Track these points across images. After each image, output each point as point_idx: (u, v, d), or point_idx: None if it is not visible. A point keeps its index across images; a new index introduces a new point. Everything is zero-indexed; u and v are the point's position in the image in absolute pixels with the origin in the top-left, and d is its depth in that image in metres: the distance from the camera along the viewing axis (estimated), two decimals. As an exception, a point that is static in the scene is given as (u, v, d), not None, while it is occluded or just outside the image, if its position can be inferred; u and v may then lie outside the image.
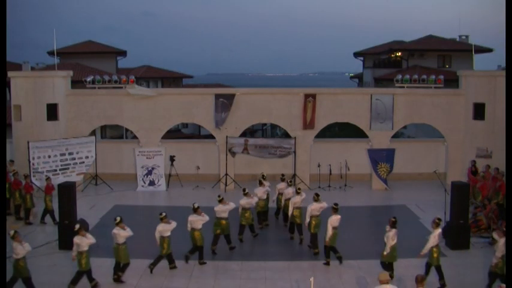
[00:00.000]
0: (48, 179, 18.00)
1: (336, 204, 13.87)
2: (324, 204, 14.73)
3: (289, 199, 16.07)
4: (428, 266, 12.55)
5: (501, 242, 11.82)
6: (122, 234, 12.81)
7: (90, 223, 16.77)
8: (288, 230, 15.99)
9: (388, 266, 12.81)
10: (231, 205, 14.70)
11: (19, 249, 11.83)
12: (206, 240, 14.13)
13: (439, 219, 12.72)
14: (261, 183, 17.17)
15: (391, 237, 12.65)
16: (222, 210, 14.56)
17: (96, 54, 42.20)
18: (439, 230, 12.61)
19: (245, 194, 15.51)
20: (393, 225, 12.77)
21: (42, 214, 17.53)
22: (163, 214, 13.45)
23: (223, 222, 14.56)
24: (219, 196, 14.88)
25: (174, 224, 13.47)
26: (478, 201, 18.00)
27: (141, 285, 12.63)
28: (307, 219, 14.50)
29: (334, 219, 13.68)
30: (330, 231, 13.55)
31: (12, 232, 11.97)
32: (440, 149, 23.45)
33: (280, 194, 17.34)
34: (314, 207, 14.53)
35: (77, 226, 12.69)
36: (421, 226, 17.17)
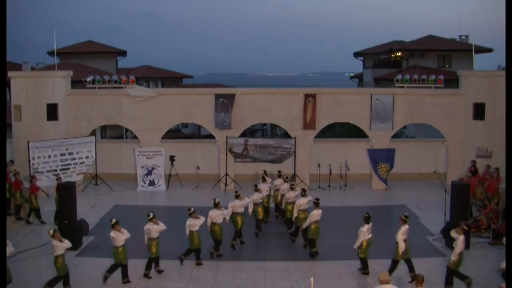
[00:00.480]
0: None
1: (317, 199, 14.39)
2: (310, 198, 15.16)
3: (284, 195, 16.66)
4: (448, 271, 12.41)
5: (460, 239, 12.09)
6: (156, 229, 13.05)
7: (90, 223, 16.80)
8: (291, 234, 15.76)
9: (364, 261, 13.15)
10: (247, 200, 15.26)
11: (59, 247, 12.07)
12: (208, 241, 14.12)
13: (406, 216, 12.86)
14: (264, 180, 17.57)
15: (363, 232, 12.92)
16: (239, 205, 14.88)
17: (96, 54, 42.20)
18: (406, 226, 12.79)
19: (237, 196, 15.16)
20: (366, 220, 13.01)
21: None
22: (192, 209, 13.67)
23: (240, 217, 14.92)
24: (236, 192, 15.14)
25: (202, 219, 13.67)
26: (478, 201, 18.02)
27: (141, 285, 12.63)
28: (295, 214, 15.09)
29: (315, 214, 14.17)
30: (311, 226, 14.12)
31: (52, 231, 12.22)
32: (440, 149, 23.45)
33: (277, 190, 17.74)
34: (301, 202, 15.09)
35: (114, 220, 12.92)
36: (421, 226, 17.17)
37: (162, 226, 13.24)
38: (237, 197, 14.97)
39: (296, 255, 14.56)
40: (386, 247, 15.53)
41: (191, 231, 13.66)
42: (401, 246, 12.58)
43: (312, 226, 14.19)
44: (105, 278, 12.71)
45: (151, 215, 13.27)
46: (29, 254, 14.48)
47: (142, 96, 22.26)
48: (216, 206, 14.14)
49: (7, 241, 12.02)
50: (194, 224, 13.62)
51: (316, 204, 14.28)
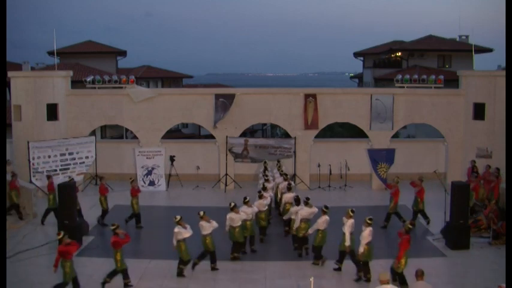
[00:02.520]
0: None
1: (326, 207, 13.66)
2: (315, 210, 14.41)
3: (283, 194, 16.55)
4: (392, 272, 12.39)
5: (366, 231, 12.50)
6: (208, 226, 13.21)
7: (90, 223, 16.80)
8: (295, 248, 14.84)
9: (364, 265, 12.84)
10: (255, 208, 14.81)
11: (207, 227, 13.09)
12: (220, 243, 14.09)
13: (370, 219, 12.72)
14: (261, 197, 15.85)
15: (365, 236, 12.63)
16: (249, 212, 14.46)
17: (96, 54, 42.19)
18: (351, 220, 13.09)
19: (245, 203, 14.64)
20: (368, 224, 12.72)
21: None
22: (202, 213, 13.41)
23: (249, 222, 14.61)
24: (245, 198, 14.62)
25: (214, 224, 13.44)
26: (478, 201, 18.02)
27: (141, 286, 12.62)
28: (297, 224, 14.24)
29: (322, 221, 13.57)
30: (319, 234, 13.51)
31: (201, 212, 13.32)
32: (440, 149, 23.45)
33: (277, 187, 17.67)
34: (303, 212, 14.27)
35: (201, 213, 13.40)
36: (421, 226, 17.18)
37: (214, 224, 13.32)
38: (246, 203, 14.49)
39: (296, 255, 14.54)
40: (386, 247, 15.56)
41: (203, 235, 13.33)
42: (361, 249, 12.60)
43: (319, 234, 13.59)
44: (182, 272, 13.05)
45: (178, 217, 13.13)
46: (29, 254, 14.48)
47: (144, 97, 22.24)
48: (232, 209, 13.91)
49: (211, 221, 13.23)
50: (203, 226, 13.32)
51: (324, 211, 13.62)
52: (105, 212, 17.44)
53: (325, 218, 13.64)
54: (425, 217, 17.29)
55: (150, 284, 12.67)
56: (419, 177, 17.86)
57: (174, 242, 13.03)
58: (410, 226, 12.55)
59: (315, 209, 14.40)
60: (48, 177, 17.89)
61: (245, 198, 14.67)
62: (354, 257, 12.98)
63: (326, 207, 13.79)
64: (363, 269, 12.78)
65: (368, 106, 22.19)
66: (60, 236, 11.93)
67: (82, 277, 12.96)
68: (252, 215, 14.65)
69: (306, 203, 14.44)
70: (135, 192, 17.16)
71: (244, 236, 14.24)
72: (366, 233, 12.55)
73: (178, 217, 13.10)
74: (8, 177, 18.05)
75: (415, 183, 17.47)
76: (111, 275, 12.47)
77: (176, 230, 12.97)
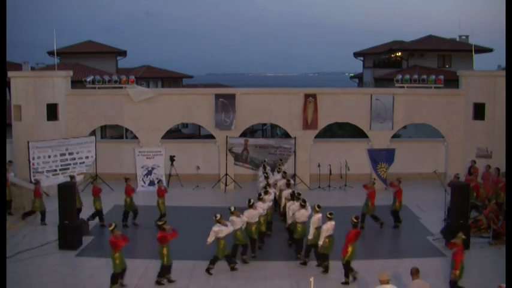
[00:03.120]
0: (37, 182, 17.88)
1: (330, 213, 13.21)
2: (309, 212, 14.25)
3: (282, 191, 16.68)
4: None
5: (327, 224, 12.98)
6: (239, 220, 13.44)
7: (90, 223, 16.80)
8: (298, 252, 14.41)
9: (323, 257, 13.20)
10: (261, 210, 14.67)
11: (237, 222, 13.45)
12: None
13: (331, 214, 13.12)
14: (267, 192, 15.73)
15: (325, 229, 13.05)
16: (255, 215, 14.31)
17: (96, 54, 42.18)
18: (318, 215, 13.46)
19: (250, 206, 14.25)
20: (329, 218, 13.10)
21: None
22: (219, 216, 13.28)
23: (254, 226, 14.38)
24: (249, 200, 14.40)
25: (244, 218, 13.66)
26: (478, 201, 18.03)
27: (141, 285, 12.62)
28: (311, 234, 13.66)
29: (327, 227, 13.21)
30: (322, 239, 13.18)
31: (232, 208, 13.71)
32: (440, 149, 23.45)
33: (275, 184, 17.65)
34: (314, 220, 13.79)
35: (232, 208, 13.70)
36: (421, 226, 17.18)
37: (230, 228, 13.32)
38: (251, 206, 14.20)
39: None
40: (386, 247, 15.58)
41: (234, 230, 13.34)
42: (321, 241, 13.04)
43: (326, 240, 13.12)
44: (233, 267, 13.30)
45: (218, 216, 13.21)
46: (29, 254, 14.48)
47: (144, 97, 22.24)
48: (251, 206, 14.00)
49: (240, 215, 13.61)
50: (234, 221, 13.45)
51: (329, 218, 13.11)
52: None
53: (318, 216, 13.58)
54: (396, 219, 16.96)
55: (150, 284, 12.66)
56: (398, 178, 17.88)
57: (210, 240, 13.16)
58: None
59: (309, 211, 14.25)
60: (36, 182, 17.87)
61: (249, 200, 14.27)
62: (316, 250, 13.37)
63: (319, 206, 13.73)
64: (322, 261, 13.24)
65: (368, 106, 22.20)
66: (112, 228, 12.27)
67: (82, 277, 13.00)
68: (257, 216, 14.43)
69: (303, 206, 14.15)
70: (162, 192, 17.05)
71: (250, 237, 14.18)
72: (327, 227, 12.95)
73: (218, 215, 13.25)
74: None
75: (393, 184, 17.38)
76: (162, 273, 12.61)
77: (216, 228, 13.11)
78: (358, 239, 12.80)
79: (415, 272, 10.02)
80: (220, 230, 13.09)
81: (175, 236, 12.61)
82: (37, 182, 17.88)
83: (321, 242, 13.10)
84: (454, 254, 11.55)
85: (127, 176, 20.50)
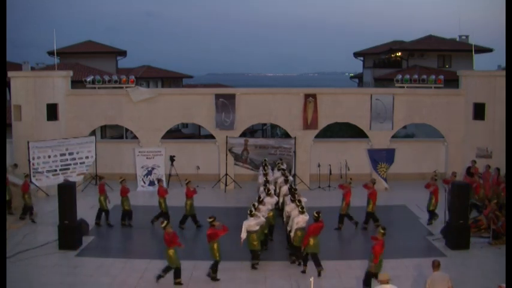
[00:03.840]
0: (26, 176, 18.01)
1: (317, 212, 13.24)
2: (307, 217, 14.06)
3: (281, 188, 16.71)
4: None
5: (299, 217, 13.41)
6: (255, 222, 13.41)
7: (90, 223, 16.80)
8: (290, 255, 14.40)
9: (296, 250, 13.45)
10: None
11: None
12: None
13: (302, 208, 13.53)
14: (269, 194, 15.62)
15: (296, 222, 13.42)
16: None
17: (96, 54, 42.17)
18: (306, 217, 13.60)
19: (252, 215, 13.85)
20: (301, 212, 13.44)
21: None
22: (254, 210, 13.62)
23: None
24: (254, 206, 14.23)
25: (262, 219, 13.79)
26: (478, 201, 18.03)
27: (141, 285, 12.62)
28: (292, 234, 13.83)
29: (300, 220, 13.51)
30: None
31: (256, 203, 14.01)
32: (440, 149, 23.45)
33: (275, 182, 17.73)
34: (300, 220, 13.77)
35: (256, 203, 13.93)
36: (421, 226, 17.18)
37: (262, 218, 13.60)
38: (256, 209, 14.07)
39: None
40: (386, 247, 15.54)
41: (249, 233, 13.37)
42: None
43: (298, 233, 13.33)
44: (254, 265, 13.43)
45: (252, 210, 13.51)
46: (29, 254, 14.48)
47: (144, 98, 22.23)
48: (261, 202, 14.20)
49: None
50: (250, 224, 13.46)
51: (316, 218, 13.10)
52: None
53: (303, 217, 13.56)
54: (374, 220, 16.89)
55: (150, 284, 12.67)
56: (372, 179, 17.93)
57: (244, 235, 13.39)
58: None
59: (307, 217, 14.00)
60: (26, 175, 17.97)
61: (250, 211, 13.81)
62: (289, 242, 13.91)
63: (302, 207, 13.71)
64: (294, 253, 13.69)
65: (368, 106, 22.20)
66: (164, 225, 12.66)
67: (82, 277, 13.00)
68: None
69: (302, 212, 13.81)
70: (190, 193, 16.96)
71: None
72: (298, 219, 13.33)
73: (253, 210, 13.57)
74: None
75: (367, 185, 17.27)
76: (214, 268, 12.84)
77: (251, 222, 13.35)
78: (319, 233, 13.11)
79: (437, 265, 10.42)
80: (256, 223, 13.40)
81: (226, 232, 12.82)
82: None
83: (292, 234, 13.51)
84: (373, 247, 11.83)
85: (128, 176, 20.59)
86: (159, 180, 17.72)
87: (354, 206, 17.59)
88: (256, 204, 14.03)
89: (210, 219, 12.82)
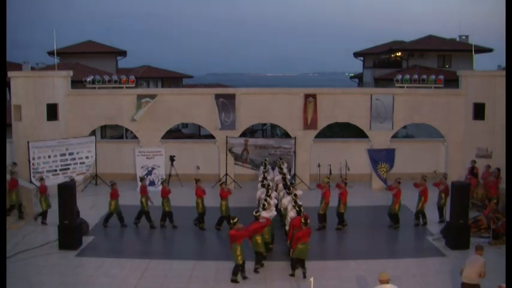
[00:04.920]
0: (42, 179, 17.92)
1: (305, 218, 12.93)
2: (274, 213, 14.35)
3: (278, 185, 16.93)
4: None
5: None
6: (267, 215, 13.58)
7: (90, 223, 16.80)
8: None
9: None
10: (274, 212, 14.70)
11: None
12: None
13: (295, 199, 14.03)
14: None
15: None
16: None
17: (96, 54, 42.20)
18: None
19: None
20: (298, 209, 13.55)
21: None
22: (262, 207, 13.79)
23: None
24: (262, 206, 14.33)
25: (274, 212, 14.01)
26: (478, 201, 18.04)
27: (141, 285, 12.62)
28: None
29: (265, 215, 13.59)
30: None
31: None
32: (440, 149, 23.45)
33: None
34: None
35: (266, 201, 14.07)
36: (421, 226, 17.17)
37: (274, 211, 13.92)
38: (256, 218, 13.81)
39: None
40: (386, 247, 15.58)
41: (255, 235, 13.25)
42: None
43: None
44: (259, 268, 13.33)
45: (265, 204, 13.75)
46: (29, 254, 14.48)
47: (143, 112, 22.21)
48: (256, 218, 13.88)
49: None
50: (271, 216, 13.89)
51: (304, 223, 12.79)
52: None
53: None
54: (341, 221, 16.83)
55: (150, 284, 12.67)
56: (343, 179, 18.03)
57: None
58: None
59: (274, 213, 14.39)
60: (41, 179, 17.87)
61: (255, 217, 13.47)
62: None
63: (300, 207, 13.70)
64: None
65: (368, 106, 22.20)
66: (235, 220, 12.75)
67: (82, 277, 13.00)
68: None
69: (299, 213, 13.66)
70: (225, 194, 16.81)
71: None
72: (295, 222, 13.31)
73: (266, 204, 13.75)
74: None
75: (339, 185, 17.16)
76: (235, 272, 12.75)
77: (264, 215, 13.45)
78: (308, 239, 12.86)
79: (479, 248, 11.01)
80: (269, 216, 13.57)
81: (247, 234, 12.79)
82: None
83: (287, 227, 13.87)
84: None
85: (127, 176, 20.67)
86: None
87: (354, 206, 17.60)
88: (268, 199, 14.16)
89: (234, 220, 12.82)
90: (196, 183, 17.12)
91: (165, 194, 17.10)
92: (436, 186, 17.67)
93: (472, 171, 19.85)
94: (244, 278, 12.82)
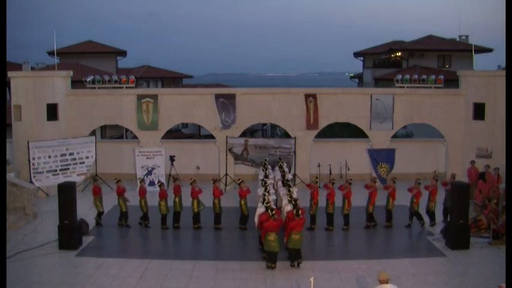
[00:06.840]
0: (119, 181, 17.65)
1: (297, 209, 13.37)
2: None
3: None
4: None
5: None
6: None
7: (90, 223, 16.80)
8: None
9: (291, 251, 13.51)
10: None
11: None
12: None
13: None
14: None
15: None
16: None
17: (96, 54, 42.19)
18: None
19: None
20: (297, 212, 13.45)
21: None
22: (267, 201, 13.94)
23: None
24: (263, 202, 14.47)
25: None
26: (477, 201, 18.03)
27: (141, 285, 12.62)
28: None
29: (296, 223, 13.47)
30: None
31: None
32: (440, 149, 23.45)
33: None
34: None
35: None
36: (420, 226, 17.16)
37: (273, 206, 13.89)
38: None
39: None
40: (386, 247, 15.57)
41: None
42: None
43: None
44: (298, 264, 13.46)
45: (266, 199, 13.92)
46: (29, 254, 14.48)
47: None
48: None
49: None
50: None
51: (296, 214, 13.25)
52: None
53: (298, 221, 13.49)
54: (331, 223, 16.84)
55: (150, 284, 12.66)
56: (331, 179, 18.11)
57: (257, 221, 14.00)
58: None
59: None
60: (160, 185, 17.43)
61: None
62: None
63: (298, 210, 13.59)
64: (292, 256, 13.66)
65: (368, 106, 22.20)
66: (274, 212, 13.22)
67: (82, 277, 12.99)
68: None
69: (297, 215, 13.61)
70: (244, 193, 16.67)
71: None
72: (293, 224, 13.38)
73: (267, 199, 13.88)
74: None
75: (327, 185, 17.21)
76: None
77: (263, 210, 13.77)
78: (301, 229, 13.39)
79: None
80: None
81: (280, 225, 13.39)
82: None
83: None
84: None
85: (127, 176, 20.63)
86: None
87: (354, 206, 17.59)
88: (267, 194, 14.24)
89: (273, 212, 13.17)
90: (214, 183, 17.24)
91: (195, 194, 16.85)
92: (443, 186, 17.65)
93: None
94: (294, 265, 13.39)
